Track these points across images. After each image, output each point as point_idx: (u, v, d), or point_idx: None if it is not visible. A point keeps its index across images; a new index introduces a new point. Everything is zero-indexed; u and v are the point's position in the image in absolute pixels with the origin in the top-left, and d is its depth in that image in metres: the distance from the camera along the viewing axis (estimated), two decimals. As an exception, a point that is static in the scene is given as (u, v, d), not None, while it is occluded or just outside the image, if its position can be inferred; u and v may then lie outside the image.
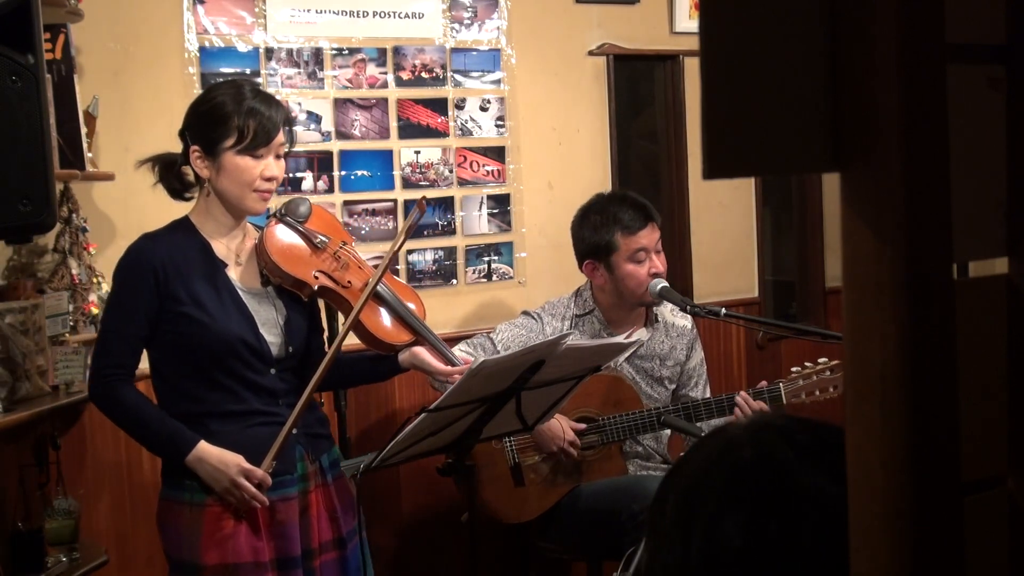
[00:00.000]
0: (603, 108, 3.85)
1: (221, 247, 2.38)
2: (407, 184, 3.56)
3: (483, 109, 3.67)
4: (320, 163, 3.42)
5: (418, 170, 3.57)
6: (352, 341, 2.40)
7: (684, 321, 3.18)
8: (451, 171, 3.63)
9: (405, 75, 3.55)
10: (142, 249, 2.31)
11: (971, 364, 0.62)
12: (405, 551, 3.59)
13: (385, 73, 3.52)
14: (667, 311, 3.15)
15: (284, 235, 2.42)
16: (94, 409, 3.06)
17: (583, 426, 2.93)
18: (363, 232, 3.47)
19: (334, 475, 2.46)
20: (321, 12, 3.42)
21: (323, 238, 2.46)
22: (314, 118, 3.42)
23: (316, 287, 2.41)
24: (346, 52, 3.46)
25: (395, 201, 3.54)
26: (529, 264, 3.76)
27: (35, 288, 2.83)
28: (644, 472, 3.08)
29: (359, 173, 3.49)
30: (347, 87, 3.46)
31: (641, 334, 3.11)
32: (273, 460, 2.27)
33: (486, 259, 3.70)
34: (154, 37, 3.20)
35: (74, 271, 2.92)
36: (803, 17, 0.60)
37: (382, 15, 3.51)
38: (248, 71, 3.31)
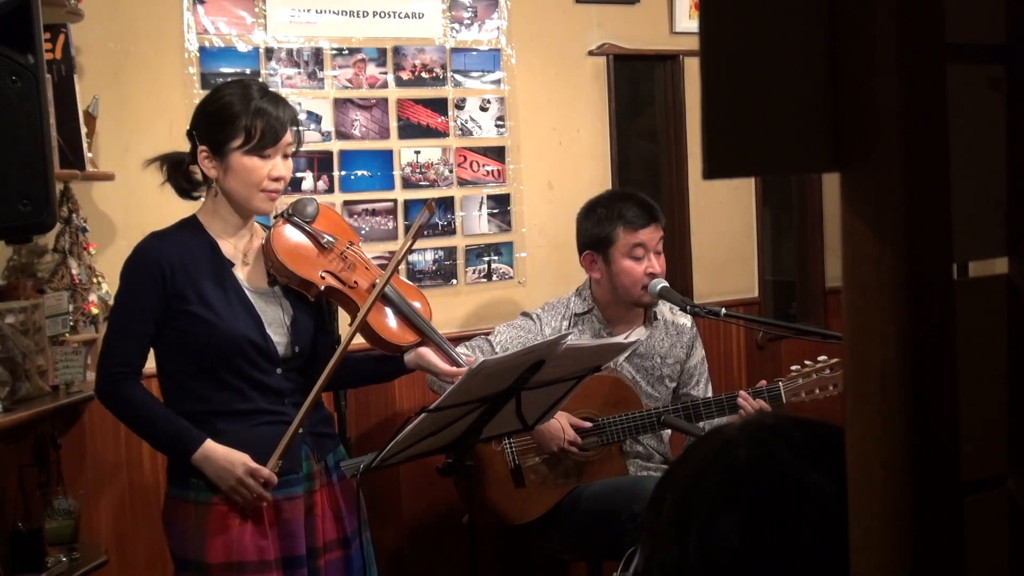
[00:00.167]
0: (603, 108, 3.85)
1: (228, 247, 2.39)
2: (407, 184, 3.56)
3: (483, 109, 3.67)
4: (320, 163, 3.42)
5: (418, 170, 3.57)
6: (357, 341, 2.41)
7: (684, 319, 3.18)
8: (451, 171, 3.63)
9: (405, 75, 3.55)
10: (150, 248, 2.32)
11: (971, 364, 0.62)
12: (405, 551, 3.59)
13: (385, 73, 3.52)
14: (667, 309, 3.16)
15: (291, 235, 2.43)
16: (94, 409, 3.07)
17: (588, 424, 2.93)
18: (363, 232, 3.47)
19: (339, 475, 2.47)
20: (321, 12, 3.42)
21: (330, 238, 2.46)
22: (314, 118, 3.42)
23: (323, 287, 2.41)
24: (346, 52, 3.46)
25: (395, 201, 3.54)
26: (529, 264, 3.76)
27: (35, 288, 2.83)
28: (644, 472, 3.08)
29: (359, 173, 3.49)
30: (347, 87, 3.46)
31: (640, 332, 3.11)
32: (279, 459, 2.28)
33: (486, 259, 3.70)
34: (154, 37, 3.20)
35: (74, 271, 2.92)
36: (803, 17, 0.60)
37: (382, 15, 3.51)
38: (248, 71, 3.31)
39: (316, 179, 3.42)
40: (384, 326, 2.46)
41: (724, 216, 4.11)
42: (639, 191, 3.20)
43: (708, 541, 0.82)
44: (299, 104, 3.39)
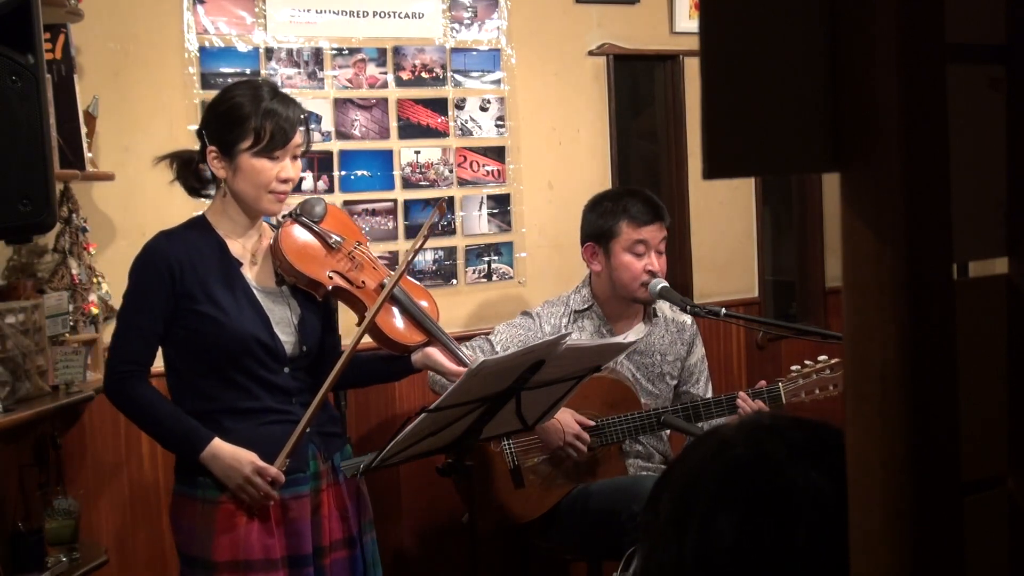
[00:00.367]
0: (603, 108, 3.85)
1: (237, 246, 2.39)
2: (407, 184, 3.56)
3: (483, 109, 3.67)
4: (320, 163, 3.42)
5: (418, 170, 3.57)
6: (365, 341, 2.42)
7: (684, 317, 3.18)
8: (451, 171, 3.63)
9: (405, 75, 3.55)
10: (159, 246, 2.33)
11: (971, 364, 0.62)
12: (405, 551, 3.59)
13: (385, 73, 3.52)
14: (667, 307, 3.16)
15: (299, 235, 2.43)
16: (94, 409, 3.07)
17: (591, 423, 2.93)
18: (363, 232, 3.47)
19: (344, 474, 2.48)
20: (321, 12, 3.42)
21: (338, 238, 2.47)
22: (314, 118, 3.41)
23: (330, 287, 2.42)
24: (346, 52, 3.46)
25: (395, 201, 3.54)
26: (529, 264, 3.76)
27: (35, 288, 2.83)
28: (644, 472, 3.08)
29: (359, 173, 3.49)
30: (347, 87, 3.46)
31: (640, 329, 3.12)
32: (286, 458, 2.29)
33: (486, 259, 3.70)
34: (154, 37, 3.20)
35: (74, 271, 2.92)
36: (803, 17, 0.60)
37: (382, 15, 3.51)
38: (248, 71, 3.31)
39: (316, 179, 3.42)
40: (392, 326, 2.47)
41: (724, 216, 4.10)
42: (648, 190, 3.21)
43: (706, 540, 0.82)
44: (299, 104, 3.39)
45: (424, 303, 2.54)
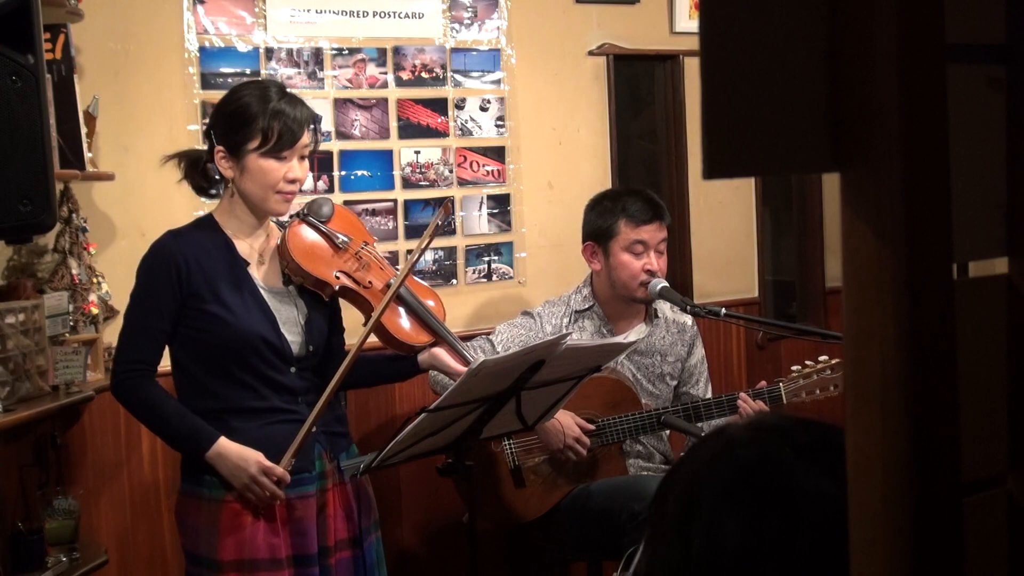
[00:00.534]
0: (603, 108, 3.85)
1: (244, 246, 2.40)
2: (407, 184, 3.56)
3: (483, 109, 3.67)
4: (320, 163, 3.42)
5: (418, 170, 3.57)
6: (370, 340, 2.42)
7: (685, 317, 3.18)
8: (451, 171, 3.63)
9: (405, 75, 3.55)
10: (167, 245, 2.33)
11: (971, 364, 0.62)
12: (405, 551, 3.59)
13: (385, 73, 3.52)
14: (668, 307, 3.16)
15: (306, 235, 2.44)
16: (94, 409, 3.07)
17: (591, 426, 2.93)
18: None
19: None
20: (321, 12, 3.42)
21: (345, 238, 2.47)
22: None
23: (337, 287, 2.42)
24: (346, 52, 3.46)
25: (395, 201, 3.54)
26: (529, 264, 3.76)
27: (35, 288, 2.83)
28: (644, 472, 3.08)
29: (359, 173, 3.49)
30: (347, 87, 3.46)
31: (641, 330, 3.12)
32: (292, 457, 2.29)
33: (486, 259, 3.70)
34: (154, 37, 3.20)
35: (74, 271, 2.92)
36: (803, 17, 0.60)
37: (382, 15, 3.50)
38: (248, 71, 3.31)
39: (316, 179, 3.42)
40: (398, 326, 2.47)
41: (724, 216, 4.10)
42: (649, 190, 3.21)
43: (711, 540, 0.82)
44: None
45: (431, 303, 2.55)
